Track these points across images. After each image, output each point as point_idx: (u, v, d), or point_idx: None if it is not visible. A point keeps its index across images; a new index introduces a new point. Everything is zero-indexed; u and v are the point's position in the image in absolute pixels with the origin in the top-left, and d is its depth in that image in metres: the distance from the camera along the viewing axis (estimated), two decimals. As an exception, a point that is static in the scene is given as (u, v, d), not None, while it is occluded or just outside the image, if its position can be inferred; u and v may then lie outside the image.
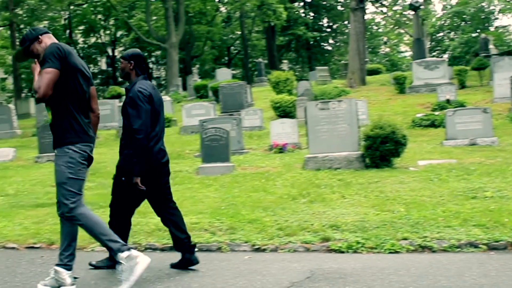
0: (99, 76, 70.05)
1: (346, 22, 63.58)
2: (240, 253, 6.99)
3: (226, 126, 14.02)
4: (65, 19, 61.62)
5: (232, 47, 70.78)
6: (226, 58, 70.10)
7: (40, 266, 6.54)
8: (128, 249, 5.30)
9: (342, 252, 6.79)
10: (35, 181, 12.54)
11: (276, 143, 15.50)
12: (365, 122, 16.15)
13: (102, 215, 8.76)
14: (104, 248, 6.58)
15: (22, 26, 53.85)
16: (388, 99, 25.56)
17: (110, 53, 67.25)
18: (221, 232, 7.67)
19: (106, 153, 17.13)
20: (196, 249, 6.37)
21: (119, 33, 66.20)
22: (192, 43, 59.39)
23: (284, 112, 21.93)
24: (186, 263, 6.27)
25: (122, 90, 38.73)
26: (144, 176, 5.91)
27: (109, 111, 24.97)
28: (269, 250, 7.02)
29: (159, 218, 8.31)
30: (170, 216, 6.41)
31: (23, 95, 50.15)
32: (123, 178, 6.01)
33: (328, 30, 70.37)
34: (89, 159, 5.51)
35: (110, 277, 5.90)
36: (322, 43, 70.07)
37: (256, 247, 7.09)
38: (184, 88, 42.25)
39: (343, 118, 12.28)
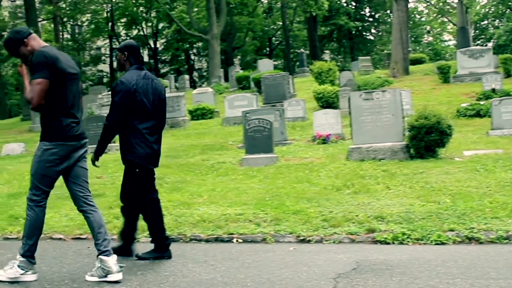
0: (142, 68, 70.42)
1: (388, 11, 63.00)
2: (285, 244, 7.00)
3: (269, 117, 13.99)
4: (107, 12, 62.13)
5: (273, 38, 70.63)
6: (268, 49, 70.03)
7: (87, 257, 6.61)
8: (30, 261, 5.55)
9: (388, 243, 6.76)
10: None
11: (319, 134, 15.43)
12: (409, 112, 15.96)
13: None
14: (148, 239, 6.66)
15: (65, 19, 54.51)
16: (432, 89, 25.25)
17: (152, 45, 67.63)
18: (265, 223, 7.67)
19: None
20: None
21: (160, 25, 66.57)
22: (234, 34, 59.42)
23: (327, 102, 21.83)
24: (124, 251, 6.44)
25: (165, 81, 39.01)
26: (147, 164, 6.28)
27: (152, 103, 25.06)
28: (314, 241, 7.01)
29: (204, 209, 8.42)
30: (155, 208, 6.53)
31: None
32: (137, 170, 6.29)
33: (370, 19, 69.85)
34: (69, 157, 5.61)
35: (157, 267, 5.94)
36: (364, 33, 69.59)
37: (301, 238, 7.09)
38: (226, 80, 42.31)
39: (387, 108, 12.16)
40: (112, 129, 6.16)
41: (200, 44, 64.59)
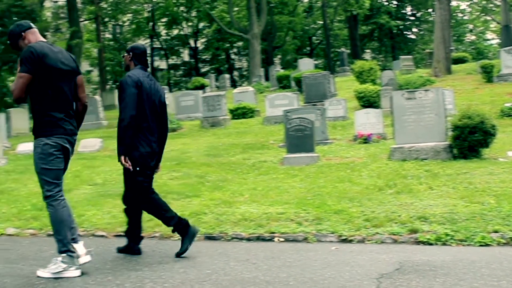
0: (182, 68, 70.97)
1: (430, 10, 62.43)
2: (327, 243, 6.97)
3: (310, 116, 13.94)
4: (148, 12, 62.59)
5: (314, 37, 70.41)
6: (308, 48, 69.84)
7: (129, 254, 6.65)
8: (70, 255, 5.62)
9: (431, 244, 6.69)
10: (122, 170, 12.76)
11: (361, 133, 15.36)
12: (452, 112, 15.79)
13: (188, 205, 8.95)
14: (177, 236, 6.70)
15: (106, 19, 55.00)
16: (475, 88, 24.92)
17: (193, 45, 67.94)
18: (307, 223, 7.65)
19: (190, 143, 17.35)
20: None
21: (201, 25, 66.78)
22: (274, 34, 59.37)
23: (368, 102, 21.70)
24: (130, 250, 6.62)
25: (206, 81, 39.21)
26: (148, 163, 6.42)
27: (193, 102, 25.19)
28: (356, 241, 6.98)
29: (245, 208, 8.44)
30: (138, 208, 6.65)
31: (107, 86, 51.22)
32: (137, 168, 6.33)
33: (412, 18, 69.22)
34: (64, 149, 5.77)
35: (199, 265, 5.97)
36: (405, 32, 68.98)
37: (343, 238, 7.06)
38: (267, 79, 42.35)
39: (430, 108, 12.04)
40: (129, 122, 6.18)
41: (240, 43, 64.68)
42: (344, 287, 4.99)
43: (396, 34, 66.30)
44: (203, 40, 68.67)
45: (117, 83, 67.98)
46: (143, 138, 6.34)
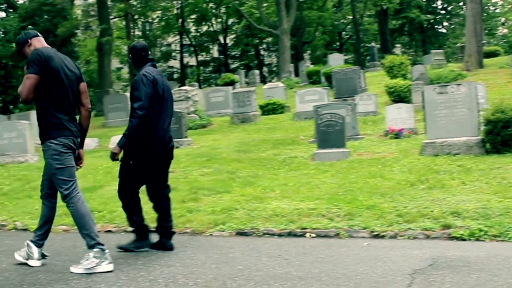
0: (211, 64, 71.17)
1: (461, 4, 61.85)
2: (359, 239, 6.94)
3: (341, 112, 13.88)
4: (177, 9, 62.83)
5: (343, 32, 70.22)
6: (338, 43, 69.64)
7: (161, 250, 6.67)
8: (102, 249, 5.73)
9: (464, 239, 6.62)
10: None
11: (392, 129, 15.26)
12: (484, 106, 15.62)
13: (219, 201, 8.97)
14: (209, 231, 6.71)
15: (136, 16, 55.28)
16: (508, 82, 24.65)
17: (222, 41, 68.06)
18: (339, 218, 7.62)
19: (221, 139, 17.39)
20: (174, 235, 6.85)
21: (230, 21, 66.92)
22: (303, 29, 59.25)
23: (399, 97, 21.57)
24: (162, 246, 6.70)
25: (235, 77, 39.23)
26: (151, 161, 6.51)
27: (223, 98, 25.25)
28: (388, 236, 6.93)
29: (277, 203, 8.43)
30: (162, 203, 6.81)
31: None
32: (131, 162, 6.50)
33: (443, 12, 68.64)
34: (72, 149, 5.97)
35: (231, 261, 5.97)
36: (436, 26, 68.44)
37: (375, 233, 7.02)
38: (296, 74, 42.28)
39: (462, 102, 11.91)
40: (140, 118, 6.29)
41: (270, 39, 64.62)
42: (377, 283, 4.96)
43: (426, 28, 65.80)
44: (232, 36, 68.79)
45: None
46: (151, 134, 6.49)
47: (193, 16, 64.70)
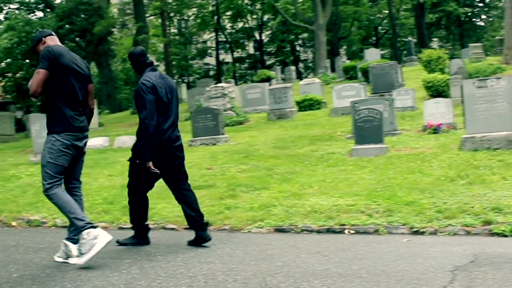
0: (247, 61, 71.23)
1: (499, -4, 61.02)
2: (398, 235, 6.90)
3: (379, 107, 13.78)
4: (212, 6, 62.94)
5: (379, 27, 69.73)
6: (374, 38, 69.19)
7: (200, 247, 6.70)
8: (92, 227, 5.88)
9: (506, 235, 6.55)
10: (191, 163, 12.81)
11: (430, 124, 15.10)
12: (524, 100, 15.38)
13: (257, 198, 8.97)
14: (248, 228, 6.71)
15: (172, 14, 55.50)
16: (548, 75, 24.30)
17: (257, 37, 68.05)
18: (377, 215, 7.58)
19: (258, 136, 17.38)
20: (208, 227, 6.97)
21: (265, 17, 66.84)
22: (339, 24, 59.01)
23: (437, 91, 21.33)
24: (199, 240, 6.76)
25: (272, 73, 39.23)
26: (157, 160, 6.57)
27: (259, 95, 25.24)
28: (428, 233, 6.89)
29: (315, 200, 8.42)
30: (183, 196, 6.89)
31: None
32: (137, 161, 6.68)
33: (480, 4, 67.70)
34: (75, 147, 6.22)
35: (270, 257, 5.96)
36: (474, 19, 67.59)
37: (415, 229, 6.97)
38: (332, 70, 42.10)
39: (502, 96, 11.74)
40: (152, 132, 6.48)
41: (305, 35, 64.46)
42: (418, 280, 4.91)
43: (464, 22, 64.97)
44: (268, 32, 68.74)
45: (183, 78, 68.86)
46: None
47: (229, 13, 64.78)
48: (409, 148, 12.84)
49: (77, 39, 50.89)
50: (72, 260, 6.07)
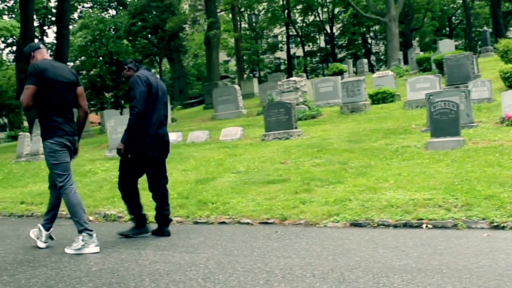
0: (318, 54, 71.02)
1: None
2: (478, 230, 6.73)
3: (455, 99, 13.49)
4: (283, 0, 62.91)
5: (453, 17, 68.46)
6: (447, 29, 68.03)
7: (276, 241, 6.70)
8: (88, 233, 6.70)
9: None
10: (264, 158, 12.86)
11: (508, 115, 14.72)
12: None
13: (332, 192, 8.91)
14: (323, 222, 6.63)
15: (242, 9, 55.76)
16: None
17: (328, 31, 67.73)
18: (456, 209, 7.42)
19: (331, 129, 17.28)
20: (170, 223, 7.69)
21: (336, 10, 66.54)
22: (412, 15, 58.23)
23: (514, 82, 20.85)
24: (160, 232, 7.52)
25: (344, 66, 38.99)
26: (149, 154, 7.31)
27: (332, 88, 25.12)
28: (509, 228, 6.68)
29: (391, 194, 8.30)
30: (159, 193, 7.62)
31: (245, 75, 51.91)
32: (129, 156, 7.32)
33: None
34: (69, 143, 6.95)
35: (347, 252, 5.90)
36: (552, 7, 65.71)
37: (495, 224, 6.78)
38: (405, 62, 41.57)
39: None
40: (137, 119, 7.14)
41: (377, 27, 63.92)
42: (502, 276, 4.78)
43: (542, 10, 63.25)
44: (339, 25, 68.42)
45: (254, 72, 69.08)
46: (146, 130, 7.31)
47: (299, 7, 64.73)
48: (487, 141, 12.53)
49: (149, 35, 51.70)
50: (39, 243, 7.15)
